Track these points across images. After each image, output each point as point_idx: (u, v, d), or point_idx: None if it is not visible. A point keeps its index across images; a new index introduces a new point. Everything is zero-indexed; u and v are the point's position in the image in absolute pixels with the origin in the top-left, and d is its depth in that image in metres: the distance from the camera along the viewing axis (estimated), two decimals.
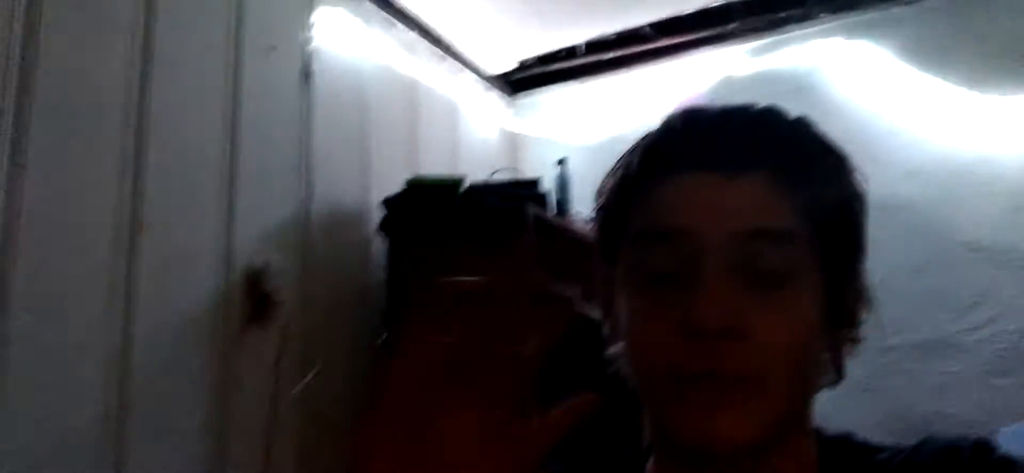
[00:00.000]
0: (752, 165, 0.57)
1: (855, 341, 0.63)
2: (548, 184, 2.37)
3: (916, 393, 2.31)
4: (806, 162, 0.59)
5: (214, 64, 1.83)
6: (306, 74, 2.09)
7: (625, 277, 0.61)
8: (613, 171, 0.65)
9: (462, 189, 2.18)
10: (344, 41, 2.27)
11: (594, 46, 2.93)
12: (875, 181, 2.40)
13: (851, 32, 2.60)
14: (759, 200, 0.57)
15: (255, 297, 1.84)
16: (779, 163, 0.57)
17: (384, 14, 2.46)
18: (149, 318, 1.60)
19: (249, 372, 1.81)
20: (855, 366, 2.23)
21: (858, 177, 0.61)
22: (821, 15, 2.66)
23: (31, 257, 1.40)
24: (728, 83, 2.73)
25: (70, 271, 1.47)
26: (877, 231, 2.39)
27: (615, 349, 0.63)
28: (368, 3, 2.39)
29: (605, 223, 0.64)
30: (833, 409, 2.58)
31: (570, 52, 2.97)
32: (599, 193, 0.66)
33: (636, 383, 0.60)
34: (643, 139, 0.64)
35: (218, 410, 1.73)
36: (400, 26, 2.54)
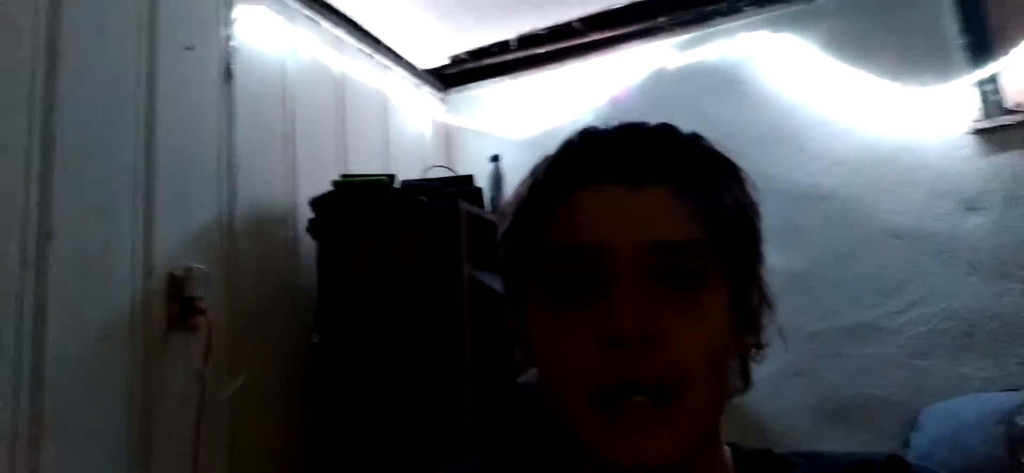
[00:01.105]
0: (653, 176, 0.58)
1: (760, 347, 0.63)
2: (482, 181, 2.35)
3: (845, 375, 2.37)
4: (703, 173, 0.60)
5: (127, 62, 1.75)
6: (227, 73, 2.02)
7: (536, 297, 0.61)
8: (515, 193, 0.65)
9: (393, 187, 2.13)
10: (267, 38, 2.21)
11: (526, 41, 2.92)
12: (802, 170, 2.46)
13: (776, 25, 2.65)
14: (663, 210, 0.57)
15: (177, 304, 1.77)
16: (678, 175, 0.58)
17: (308, 11, 2.40)
18: (62, 328, 1.52)
19: (172, 380, 1.74)
20: (787, 351, 2.26)
21: (751, 186, 0.62)
22: (746, 8, 2.71)
23: None
24: (659, 76, 2.75)
25: None
26: (804, 219, 2.45)
27: (528, 376, 0.63)
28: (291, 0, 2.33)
29: (512, 245, 0.64)
30: (770, 392, 2.62)
31: (502, 47, 2.96)
32: (503, 216, 0.65)
33: (552, 401, 0.59)
34: (543, 160, 0.64)
35: (141, 419, 1.66)
36: (326, 22, 2.49)
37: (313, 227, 2.12)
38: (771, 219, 2.48)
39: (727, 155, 0.63)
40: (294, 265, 2.17)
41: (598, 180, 0.59)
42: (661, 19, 2.79)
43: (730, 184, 0.61)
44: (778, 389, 2.34)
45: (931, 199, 2.37)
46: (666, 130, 0.62)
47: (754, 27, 2.68)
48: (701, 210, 0.57)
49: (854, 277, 2.41)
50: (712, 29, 2.75)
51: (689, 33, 2.78)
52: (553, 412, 0.59)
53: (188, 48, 1.91)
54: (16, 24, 1.51)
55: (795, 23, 2.62)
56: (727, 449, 0.64)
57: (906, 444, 2.16)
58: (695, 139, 0.63)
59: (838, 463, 0.61)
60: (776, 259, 2.55)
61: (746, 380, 0.63)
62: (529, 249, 0.61)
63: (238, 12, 2.09)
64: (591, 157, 0.61)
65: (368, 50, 2.70)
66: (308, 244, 2.16)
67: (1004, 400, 2.01)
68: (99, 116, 1.66)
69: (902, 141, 2.43)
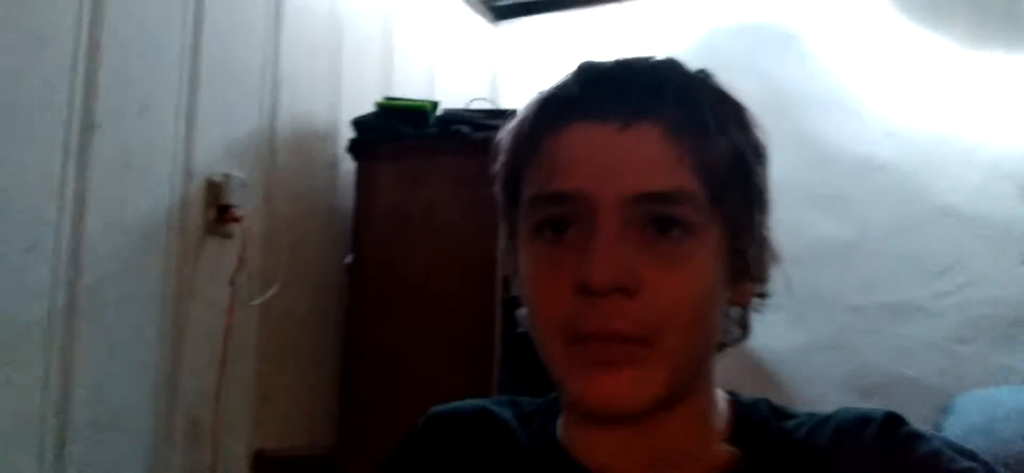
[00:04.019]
0: (645, 115, 0.57)
1: (762, 296, 0.63)
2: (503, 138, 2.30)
3: (880, 353, 2.31)
4: (701, 113, 0.57)
5: None
6: None
7: (523, 235, 0.61)
8: (510, 125, 0.64)
9: (435, 115, 2.11)
10: None
11: None
12: (856, 138, 2.36)
13: None
14: (651, 155, 0.56)
15: (214, 209, 1.78)
16: (673, 114, 0.57)
17: None
18: (101, 221, 1.54)
19: (205, 284, 1.77)
20: (821, 323, 2.23)
21: (758, 130, 0.61)
22: None
23: None
24: (717, 33, 2.64)
25: (19, 169, 1.41)
26: (853, 188, 2.36)
27: (521, 310, 0.63)
28: None
29: (504, 181, 0.64)
30: (801, 362, 2.57)
31: None
32: (496, 149, 0.65)
33: (534, 337, 0.60)
34: (539, 92, 0.63)
35: (173, 320, 1.69)
36: None
37: (354, 147, 2.11)
38: (819, 186, 2.43)
39: (733, 96, 0.61)
40: (332, 183, 2.17)
41: (587, 118, 0.58)
42: None
43: (730, 127, 0.59)
44: (810, 359, 2.30)
45: (990, 181, 2.27)
46: (666, 65, 0.61)
47: None
48: (694, 153, 0.56)
49: (900, 253, 2.32)
50: None
51: None
52: (537, 351, 0.60)
53: None
54: None
55: None
56: (722, 395, 0.65)
57: (937, 428, 2.11)
58: (698, 77, 0.61)
59: (835, 416, 0.61)
60: (821, 227, 2.51)
61: (744, 328, 0.63)
62: (517, 185, 0.62)
63: None
64: (583, 92, 0.59)
65: None
66: (347, 164, 2.15)
67: None
68: (148, 12, 1.65)
69: (965, 116, 2.32)
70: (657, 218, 0.55)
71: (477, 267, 1.95)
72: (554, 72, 0.64)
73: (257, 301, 1.88)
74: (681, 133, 0.56)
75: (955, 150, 2.31)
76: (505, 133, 0.64)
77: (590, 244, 0.55)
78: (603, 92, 0.59)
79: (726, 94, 0.61)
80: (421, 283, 2.01)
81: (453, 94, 2.60)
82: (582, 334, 0.55)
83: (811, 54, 2.50)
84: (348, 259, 2.12)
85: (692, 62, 0.63)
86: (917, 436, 0.58)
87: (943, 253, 2.29)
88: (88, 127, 1.52)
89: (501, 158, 0.64)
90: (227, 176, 1.80)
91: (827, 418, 0.61)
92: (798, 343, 2.28)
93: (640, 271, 0.54)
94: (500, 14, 3.08)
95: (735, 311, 0.62)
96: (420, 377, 1.96)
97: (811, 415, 0.62)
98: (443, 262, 2.00)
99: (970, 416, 2.05)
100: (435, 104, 2.12)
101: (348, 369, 2.08)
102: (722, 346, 0.63)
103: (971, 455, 0.57)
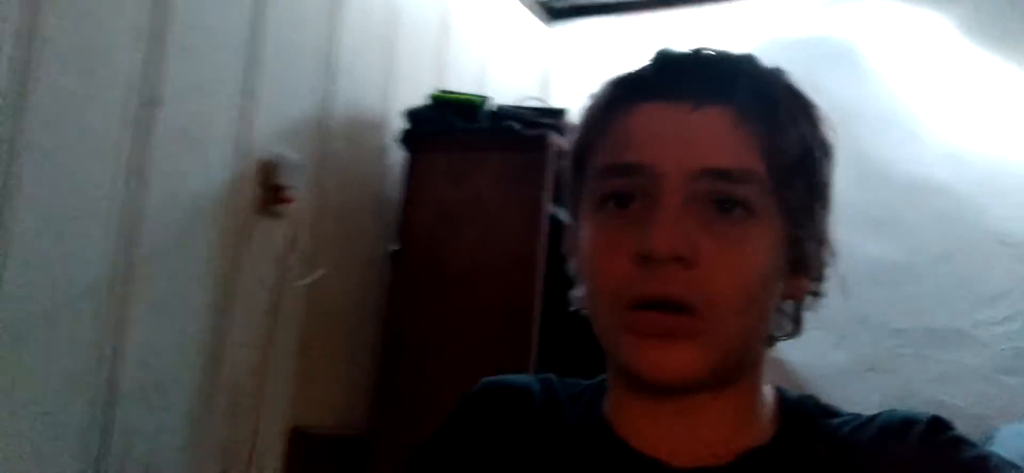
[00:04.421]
0: (717, 98, 0.58)
1: (817, 294, 0.64)
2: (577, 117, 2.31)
3: (921, 379, 2.26)
4: (772, 103, 0.59)
5: None
6: None
7: (588, 209, 0.62)
8: (583, 106, 0.65)
9: (486, 109, 2.13)
10: None
11: None
12: (913, 159, 2.31)
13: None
14: (720, 135, 0.57)
15: (267, 188, 1.83)
16: (745, 100, 0.58)
17: None
18: (159, 193, 1.60)
19: (255, 261, 1.82)
20: (864, 344, 2.17)
21: (827, 128, 0.62)
22: None
23: (44, 118, 1.40)
24: (774, 45, 2.61)
25: (82, 136, 1.47)
26: (906, 210, 2.30)
27: (577, 289, 0.64)
28: None
29: (574, 155, 0.65)
30: (841, 384, 2.51)
31: None
32: (572, 128, 0.66)
33: (589, 310, 0.61)
34: (614, 75, 0.64)
35: (223, 293, 1.75)
36: None
37: (405, 138, 2.14)
38: (871, 205, 2.38)
39: (806, 94, 0.62)
40: (381, 172, 2.20)
41: (661, 97, 0.59)
42: None
43: (800, 120, 0.60)
44: (850, 380, 2.27)
45: None
46: (741, 57, 0.62)
47: None
48: (762, 140, 0.57)
49: (950, 279, 2.27)
50: None
51: None
52: (592, 324, 0.61)
53: None
54: None
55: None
56: (769, 389, 0.65)
57: None
58: (772, 71, 0.62)
59: (880, 417, 0.61)
60: (869, 247, 2.46)
61: (796, 324, 0.64)
62: (585, 159, 0.63)
63: None
64: (658, 74, 0.61)
65: None
66: (396, 153, 2.18)
67: None
68: None
69: None
70: (720, 198, 0.56)
71: (519, 263, 1.97)
72: (607, 75, 0.65)
73: (303, 282, 1.92)
74: (752, 119, 0.57)
75: (1014, 176, 2.25)
76: (578, 113, 0.66)
77: (652, 215, 0.56)
78: (678, 75, 0.60)
79: (798, 91, 0.62)
80: (463, 275, 2.03)
81: (504, 92, 2.62)
82: (638, 300, 0.56)
83: (870, 71, 2.46)
84: (393, 247, 2.15)
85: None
86: (962, 441, 0.58)
87: (995, 280, 2.23)
88: (151, 101, 1.57)
89: (572, 134, 0.65)
90: (281, 157, 1.84)
91: (872, 418, 0.61)
92: (839, 363, 2.25)
93: (699, 245, 0.55)
94: (555, 15, 3.08)
95: (788, 306, 0.63)
96: (456, 368, 1.98)
97: (856, 415, 0.63)
98: (486, 256, 2.01)
99: (1011, 448, 2.00)
100: (485, 99, 2.14)
101: (386, 355, 2.11)
102: (772, 340, 0.64)
103: (1018, 469, 0.56)
